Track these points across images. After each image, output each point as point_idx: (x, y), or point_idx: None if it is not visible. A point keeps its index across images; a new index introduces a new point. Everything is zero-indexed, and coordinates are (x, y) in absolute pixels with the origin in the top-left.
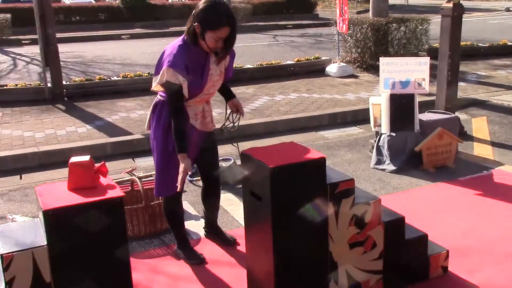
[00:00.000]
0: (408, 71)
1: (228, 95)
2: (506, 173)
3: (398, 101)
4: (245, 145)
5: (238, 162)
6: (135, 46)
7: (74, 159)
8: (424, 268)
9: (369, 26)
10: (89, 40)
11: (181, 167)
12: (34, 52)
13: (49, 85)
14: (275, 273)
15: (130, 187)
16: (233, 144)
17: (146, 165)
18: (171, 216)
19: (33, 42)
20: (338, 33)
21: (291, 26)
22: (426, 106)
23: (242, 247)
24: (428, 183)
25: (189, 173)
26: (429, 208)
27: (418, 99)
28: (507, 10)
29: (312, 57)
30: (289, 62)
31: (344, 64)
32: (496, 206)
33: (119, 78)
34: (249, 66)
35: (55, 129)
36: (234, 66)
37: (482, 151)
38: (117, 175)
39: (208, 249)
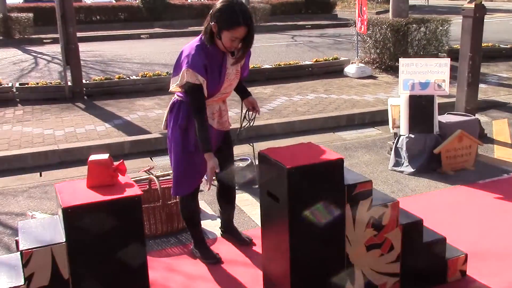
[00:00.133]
0: (428, 72)
1: (243, 94)
2: None
3: (417, 103)
4: (262, 145)
5: (255, 162)
6: (154, 45)
7: (93, 157)
8: (442, 271)
9: (389, 26)
10: (109, 39)
11: (208, 166)
12: (55, 51)
13: (69, 83)
14: (291, 274)
15: (147, 186)
16: (250, 144)
17: (163, 164)
18: (187, 215)
19: (54, 41)
20: (357, 33)
21: (309, 26)
22: (446, 108)
23: (258, 248)
24: (447, 186)
25: (217, 171)
26: (448, 211)
27: (437, 100)
28: None
29: (331, 58)
30: (307, 62)
31: (363, 65)
32: None
33: (138, 77)
34: (267, 66)
35: (75, 127)
36: (252, 66)
37: (502, 154)
38: (135, 174)
39: (224, 248)
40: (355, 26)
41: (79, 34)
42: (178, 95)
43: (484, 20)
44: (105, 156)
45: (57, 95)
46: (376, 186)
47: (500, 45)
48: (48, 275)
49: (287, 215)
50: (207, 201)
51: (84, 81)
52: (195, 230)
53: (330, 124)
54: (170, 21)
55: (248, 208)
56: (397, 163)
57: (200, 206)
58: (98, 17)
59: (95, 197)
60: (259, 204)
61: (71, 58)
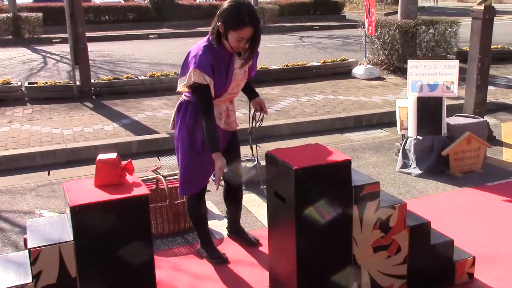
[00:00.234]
0: (437, 74)
1: (251, 94)
2: None
3: (425, 104)
4: (270, 146)
5: (262, 163)
6: (162, 45)
7: (101, 156)
8: (450, 274)
9: (397, 28)
10: (117, 39)
11: (216, 166)
12: (64, 51)
13: (78, 83)
14: (298, 275)
15: (155, 185)
16: (250, 145)
17: (171, 163)
18: (194, 215)
19: (63, 40)
20: (365, 34)
21: (317, 27)
22: (454, 110)
23: (264, 248)
24: (455, 188)
25: (225, 170)
26: (456, 213)
27: (446, 102)
28: None
29: (339, 59)
30: (315, 63)
31: (371, 66)
32: None
33: (146, 77)
34: (275, 67)
35: (83, 127)
36: (259, 67)
37: (511, 156)
38: (142, 173)
39: (230, 249)
40: (363, 27)
41: (88, 34)
42: (185, 95)
43: (494, 22)
44: (113, 155)
45: (65, 94)
46: (383, 187)
47: (510, 47)
48: (55, 273)
49: (294, 215)
50: (214, 201)
51: (92, 81)
52: (202, 230)
53: (337, 125)
54: (178, 22)
55: (255, 208)
56: (405, 165)
57: (207, 206)
58: (107, 17)
59: (103, 196)
60: (266, 205)
61: (80, 57)
